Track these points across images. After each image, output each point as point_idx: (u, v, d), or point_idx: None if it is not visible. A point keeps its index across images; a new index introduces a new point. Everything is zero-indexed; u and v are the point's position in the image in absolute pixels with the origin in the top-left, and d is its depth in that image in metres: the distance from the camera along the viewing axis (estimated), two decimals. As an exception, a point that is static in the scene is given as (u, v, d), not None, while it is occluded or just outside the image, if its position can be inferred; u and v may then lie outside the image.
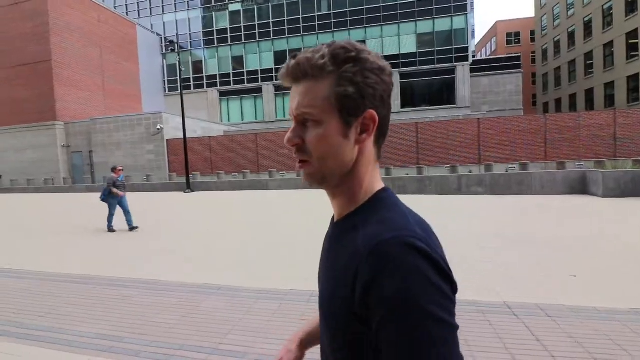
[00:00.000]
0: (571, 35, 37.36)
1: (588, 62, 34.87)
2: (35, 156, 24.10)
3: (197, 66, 34.00)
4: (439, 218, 7.94)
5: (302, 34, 31.15)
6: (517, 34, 53.20)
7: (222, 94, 33.35)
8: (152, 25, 34.24)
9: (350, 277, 0.52)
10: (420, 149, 18.40)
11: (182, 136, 22.76)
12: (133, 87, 30.28)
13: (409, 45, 29.23)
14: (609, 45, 31.93)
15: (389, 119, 0.60)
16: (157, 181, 19.67)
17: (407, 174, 14.90)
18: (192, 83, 34.03)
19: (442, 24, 28.57)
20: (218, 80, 33.16)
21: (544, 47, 43.46)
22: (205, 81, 33.56)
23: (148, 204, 12.99)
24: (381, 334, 0.48)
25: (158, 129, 21.09)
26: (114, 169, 7.87)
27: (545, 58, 43.18)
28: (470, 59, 28.58)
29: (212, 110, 33.15)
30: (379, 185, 0.62)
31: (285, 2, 31.37)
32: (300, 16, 31.04)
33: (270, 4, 31.70)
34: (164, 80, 34.69)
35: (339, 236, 0.60)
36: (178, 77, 33.08)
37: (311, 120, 0.56)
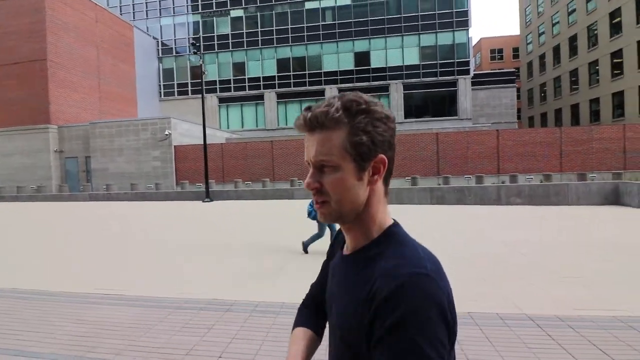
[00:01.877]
0: (556, 53, 39.47)
1: (573, 78, 36.88)
2: (24, 161, 22.24)
3: (195, 71, 32.99)
4: (528, 230, 7.81)
5: (306, 42, 31.03)
6: (501, 51, 55.71)
7: (222, 100, 32.46)
8: (147, 28, 33.03)
9: (367, 297, 0.58)
10: (440, 159, 18.51)
11: (190, 142, 21.84)
12: (129, 91, 28.88)
13: (412, 57, 29.77)
14: (594, 63, 33.91)
15: (394, 159, 0.66)
16: (165, 189, 18.58)
17: (439, 184, 14.86)
18: (189, 88, 32.95)
19: (445, 37, 29.37)
20: (218, 86, 32.29)
21: (528, 64, 45.66)
22: (203, 87, 32.49)
23: (190, 215, 12.14)
24: (374, 354, 0.56)
25: (166, 135, 20.06)
26: None
27: (530, 74, 45.34)
28: (472, 72, 29.46)
29: (211, 117, 32.13)
30: (390, 220, 0.67)
31: (289, 10, 31.22)
32: (305, 25, 30.96)
33: (273, 12, 31.44)
34: (160, 85, 33.37)
35: (356, 268, 0.65)
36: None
37: (329, 165, 0.62)
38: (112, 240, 7.68)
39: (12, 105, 22.36)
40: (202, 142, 22.83)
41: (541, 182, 14.59)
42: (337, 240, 0.81)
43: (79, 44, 24.02)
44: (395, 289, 0.55)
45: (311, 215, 5.69)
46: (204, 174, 16.02)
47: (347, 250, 0.71)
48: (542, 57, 42.26)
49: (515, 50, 53.71)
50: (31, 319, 3.55)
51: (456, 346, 2.83)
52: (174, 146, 20.45)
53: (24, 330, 3.26)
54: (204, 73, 16.31)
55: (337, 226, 3.91)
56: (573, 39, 36.05)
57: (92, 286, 4.58)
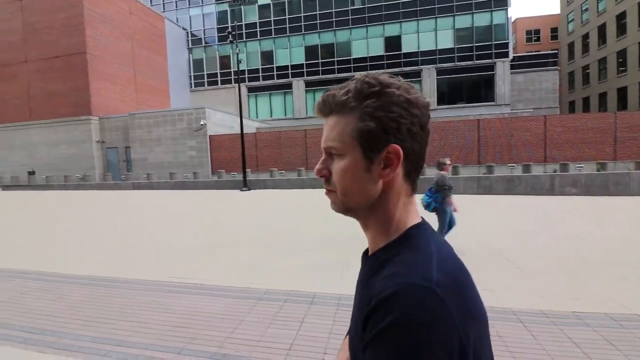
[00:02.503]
0: (602, 33, 36.65)
1: (620, 60, 34.20)
2: (69, 151, 23.25)
3: (224, 61, 33.16)
4: (599, 223, 7.25)
5: (334, 28, 30.35)
6: (537, 32, 52.43)
7: (251, 89, 32.53)
8: (177, 19, 33.35)
9: (364, 320, 0.52)
10: (481, 147, 17.71)
11: (224, 132, 22.04)
12: (162, 82, 29.44)
13: (446, 40, 28.50)
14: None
15: (422, 153, 0.58)
16: (202, 178, 18.90)
17: (484, 173, 14.20)
18: (219, 79, 33.18)
19: (482, 18, 27.85)
20: (246, 75, 32.33)
21: (569, 45, 42.74)
22: (232, 76, 32.72)
23: (234, 205, 12.25)
24: None
25: (202, 125, 20.30)
26: (442, 165, 5.26)
27: (571, 56, 42.48)
28: (511, 55, 27.87)
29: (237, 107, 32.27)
30: (413, 220, 0.59)
31: (317, -4, 30.55)
32: (333, 10, 30.23)
33: (301, -2, 30.87)
34: (190, 76, 33.81)
35: (368, 274, 0.59)
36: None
37: (336, 153, 0.58)
38: (175, 227, 7.79)
39: (54, 97, 23.29)
40: (236, 132, 23.02)
41: (598, 170, 13.63)
42: None
43: (115, 36, 24.57)
44: (384, 299, 0.47)
45: (429, 207, 5.04)
46: (242, 163, 16.09)
47: (370, 250, 0.63)
48: (585, 37, 39.42)
49: (554, 30, 50.44)
50: (118, 307, 3.55)
51: (576, 348, 2.57)
52: (209, 136, 20.68)
53: (116, 319, 3.26)
54: (240, 61, 16.17)
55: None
56: (621, 17, 33.31)
57: (166, 274, 4.59)
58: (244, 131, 24.97)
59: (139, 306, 3.56)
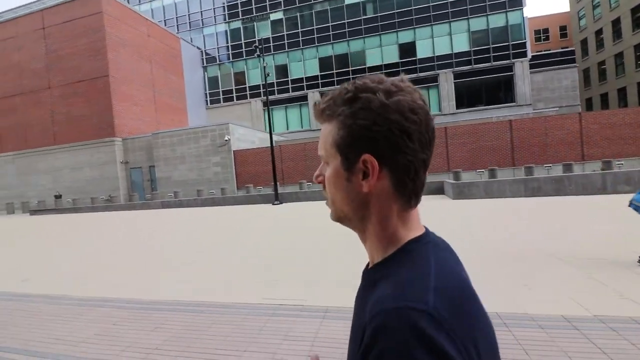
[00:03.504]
0: (616, 28, 36.20)
1: (638, 53, 33.62)
2: (93, 174, 23.37)
3: (239, 77, 33.44)
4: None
5: (347, 38, 30.47)
6: (546, 30, 52.15)
7: (266, 103, 32.61)
8: (191, 39, 33.90)
9: (358, 342, 0.49)
10: (515, 148, 17.24)
11: (246, 147, 21.94)
12: (180, 101, 29.73)
13: (462, 44, 28.34)
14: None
15: (413, 164, 0.52)
16: (230, 194, 18.70)
17: (530, 175, 13.70)
18: (234, 95, 33.43)
19: (497, 19, 27.69)
20: (261, 90, 32.50)
21: (582, 41, 42.29)
22: (248, 92, 32.94)
23: (278, 218, 11.95)
24: None
25: (226, 140, 20.23)
26: None
27: (585, 52, 41.99)
28: (529, 55, 27.55)
29: (257, 121, 32.44)
30: (414, 233, 0.56)
31: (329, 8, 30.81)
32: (345, 21, 30.42)
33: (313, 11, 31.16)
34: (205, 93, 34.14)
35: (365, 289, 0.57)
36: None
37: (324, 161, 0.58)
38: (239, 247, 7.48)
39: (77, 121, 23.57)
40: (257, 146, 22.95)
41: (617, 167, 13.04)
42: None
43: (135, 58, 24.95)
44: (376, 327, 0.44)
45: None
46: (273, 176, 15.86)
47: (370, 263, 0.60)
48: (598, 32, 39.00)
49: (563, 28, 50.13)
50: (234, 335, 3.20)
51: None
52: (233, 151, 20.58)
53: (239, 351, 2.90)
54: (268, 75, 16.12)
55: None
56: (636, 10, 32.88)
57: (260, 296, 4.24)
58: (264, 145, 24.93)
59: (262, 332, 3.22)
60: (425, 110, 0.52)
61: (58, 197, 21.96)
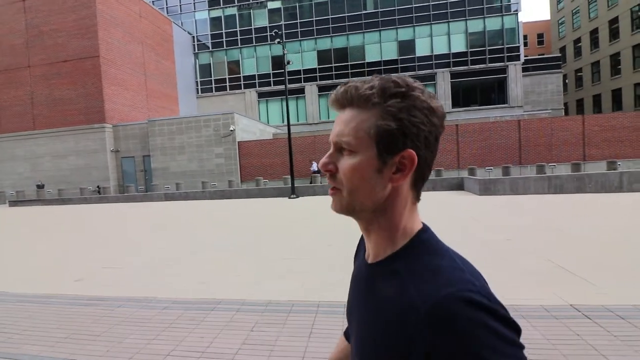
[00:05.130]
0: (594, 37, 38.41)
1: (614, 63, 35.87)
2: (78, 162, 21.60)
3: (233, 66, 32.21)
4: None
5: (347, 32, 30.17)
6: (525, 37, 54.57)
7: (261, 95, 31.71)
8: (182, 23, 32.17)
9: (403, 337, 0.49)
10: (522, 147, 17.79)
11: (249, 138, 21.15)
12: (171, 88, 28.18)
13: (459, 44, 28.90)
14: (638, 46, 32.91)
15: (431, 163, 0.57)
16: (236, 187, 17.93)
17: (548, 172, 14.14)
18: (227, 84, 32.17)
19: (493, 23, 28.47)
20: (257, 80, 31.51)
21: (561, 49, 44.59)
22: (242, 82, 31.82)
23: (310, 213, 11.47)
24: None
25: (231, 130, 19.36)
26: None
27: (563, 60, 44.32)
28: (522, 58, 28.59)
29: (251, 112, 31.42)
30: (419, 225, 0.58)
31: (329, 0, 30.31)
32: (346, 14, 30.08)
33: (312, 2, 30.54)
34: (196, 82, 32.60)
35: (378, 281, 0.57)
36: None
37: (347, 149, 0.55)
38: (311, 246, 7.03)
39: (62, 105, 21.67)
40: (258, 138, 22.20)
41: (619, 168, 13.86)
42: (362, 243, 0.68)
43: (126, 39, 23.27)
44: (445, 316, 0.45)
45: None
46: (290, 169, 15.32)
47: (368, 257, 0.61)
48: (577, 41, 41.27)
49: (540, 36, 52.58)
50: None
51: None
52: (238, 142, 19.75)
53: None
54: (289, 62, 15.51)
55: None
56: (614, 22, 35.06)
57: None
58: (265, 137, 24.19)
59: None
60: (445, 120, 0.56)
61: (40, 187, 20.11)
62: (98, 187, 20.73)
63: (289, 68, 29.81)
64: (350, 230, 6.79)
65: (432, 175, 16.76)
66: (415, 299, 0.48)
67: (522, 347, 0.46)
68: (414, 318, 0.47)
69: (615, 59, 35.68)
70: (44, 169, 22.01)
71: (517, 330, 0.47)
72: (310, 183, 17.24)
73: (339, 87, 0.57)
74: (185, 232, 8.61)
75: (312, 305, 3.61)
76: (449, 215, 8.95)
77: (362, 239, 0.69)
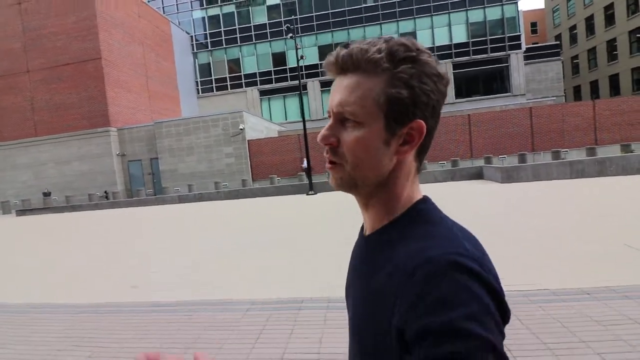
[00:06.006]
0: (589, 24, 38.63)
1: (610, 49, 36.11)
2: (83, 168, 21.15)
3: (233, 65, 31.81)
4: None
5: (348, 26, 29.95)
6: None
7: (263, 92, 31.38)
8: (179, 22, 31.63)
9: (389, 299, 0.46)
10: (535, 134, 17.82)
11: (257, 136, 20.90)
12: (172, 88, 27.75)
13: (460, 35, 28.86)
14: (634, 31, 33.14)
15: (433, 133, 0.53)
16: (249, 185, 17.70)
17: (567, 159, 14.17)
18: (228, 83, 31.77)
19: (493, 12, 28.46)
20: (258, 78, 31.17)
21: (556, 37, 44.81)
22: (243, 80, 31.45)
23: (334, 209, 11.33)
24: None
25: (241, 129, 19.09)
26: None
27: (559, 47, 44.55)
28: (524, 47, 28.65)
29: (253, 111, 31.05)
30: (419, 195, 0.55)
31: (328, -6, 30.04)
32: (346, 9, 29.84)
33: (311, -3, 30.23)
34: (196, 82, 32.14)
35: (373, 252, 0.54)
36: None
37: (352, 120, 0.50)
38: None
39: (64, 109, 21.17)
40: (265, 136, 21.93)
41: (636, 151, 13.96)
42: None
43: (126, 41, 22.80)
44: (429, 274, 0.43)
45: None
46: (307, 165, 15.15)
47: (366, 230, 0.58)
48: (572, 28, 41.51)
49: (533, 25, 52.84)
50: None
51: None
52: (248, 140, 19.49)
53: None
54: (302, 58, 15.28)
55: None
56: (609, 8, 35.29)
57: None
58: (271, 135, 23.94)
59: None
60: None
61: (47, 194, 19.66)
62: (105, 192, 20.34)
63: (301, 63, 29.59)
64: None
65: (449, 166, 16.74)
66: (403, 261, 0.46)
67: (502, 332, 0.43)
68: (399, 278, 0.45)
69: (611, 45, 35.92)
70: (48, 175, 21.52)
71: (505, 312, 0.45)
72: (329, 178, 17.05)
73: (338, 48, 0.51)
74: (220, 232, 8.41)
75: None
76: (491, 205, 8.88)
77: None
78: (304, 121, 15.71)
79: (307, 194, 15.00)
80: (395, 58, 0.48)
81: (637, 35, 32.89)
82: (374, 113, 0.49)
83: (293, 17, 30.29)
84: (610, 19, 35.40)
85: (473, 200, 9.74)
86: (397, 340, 0.45)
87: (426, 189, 12.15)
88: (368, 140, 0.49)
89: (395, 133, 0.50)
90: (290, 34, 14.95)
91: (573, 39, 41.62)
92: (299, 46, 15.84)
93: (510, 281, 3.52)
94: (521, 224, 6.22)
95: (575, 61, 42.14)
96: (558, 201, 8.28)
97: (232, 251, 6.21)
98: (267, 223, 8.95)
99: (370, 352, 0.50)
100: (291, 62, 30.82)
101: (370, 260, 0.54)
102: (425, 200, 0.54)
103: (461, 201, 9.66)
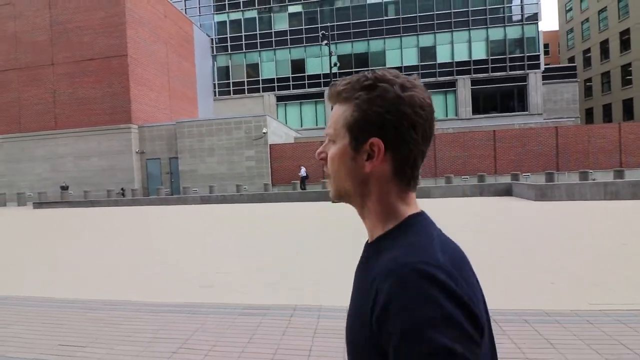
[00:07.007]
0: (604, 48, 39.00)
1: (625, 74, 36.38)
2: (102, 164, 21.02)
3: (251, 69, 31.97)
4: None
5: (368, 37, 30.19)
6: (531, 48, 55.20)
7: (280, 98, 31.47)
8: (200, 25, 31.90)
9: (369, 304, 0.51)
10: (560, 154, 17.78)
11: (278, 141, 20.84)
12: (191, 89, 27.81)
13: (480, 51, 29.09)
14: (650, 58, 33.41)
15: (413, 154, 0.57)
16: (274, 190, 17.54)
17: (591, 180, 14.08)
18: (246, 87, 31.88)
19: (514, 31, 28.75)
20: (276, 84, 31.29)
21: (569, 59, 45.22)
22: (261, 85, 31.56)
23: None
24: None
25: (264, 133, 19.03)
26: None
27: (576, 69, 44.88)
28: (542, 67, 28.86)
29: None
30: (412, 210, 0.60)
31: (350, 6, 30.36)
32: (367, 20, 30.13)
33: (334, 7, 30.55)
34: (214, 84, 32.25)
35: (366, 262, 0.60)
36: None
37: (330, 139, 0.61)
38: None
39: (86, 104, 21.15)
40: (286, 141, 21.85)
41: None
42: None
43: (152, 39, 22.92)
44: (395, 282, 0.47)
45: None
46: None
47: (369, 239, 0.64)
48: (586, 51, 41.92)
49: (546, 46, 53.37)
50: None
51: None
52: (270, 145, 19.41)
53: None
54: (336, 65, 15.30)
55: None
56: (625, 33, 35.66)
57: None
58: (287, 141, 23.89)
59: None
60: (432, 109, 0.57)
61: (65, 188, 19.48)
62: (122, 189, 20.17)
63: (317, 71, 29.78)
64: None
65: (475, 180, 16.64)
66: (382, 267, 0.51)
67: (473, 338, 0.45)
68: (377, 285, 0.50)
69: (626, 70, 36.19)
70: (66, 169, 21.37)
71: (474, 319, 0.46)
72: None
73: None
74: (260, 233, 8.23)
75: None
76: (536, 224, 8.73)
77: None
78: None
79: (333, 202, 14.83)
80: (355, 88, 0.56)
81: (652, 61, 33.17)
82: (342, 133, 0.58)
83: (323, 24, 30.58)
84: (625, 44, 35.73)
85: (530, 219, 9.58)
86: (375, 345, 0.49)
87: (456, 203, 11.87)
88: (338, 155, 0.58)
89: (359, 149, 0.57)
90: (326, 41, 14.96)
91: (587, 62, 41.95)
92: (332, 53, 15.85)
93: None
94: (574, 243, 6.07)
95: (588, 84, 42.39)
96: (620, 221, 8.15)
97: (289, 254, 6.04)
98: (305, 228, 8.78)
99: (358, 357, 0.54)
100: (310, 70, 31.01)
101: (364, 269, 0.59)
102: (419, 214, 0.58)
103: (521, 218, 9.51)
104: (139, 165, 21.13)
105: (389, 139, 0.55)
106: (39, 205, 17.88)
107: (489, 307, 0.55)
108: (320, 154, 0.62)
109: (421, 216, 0.58)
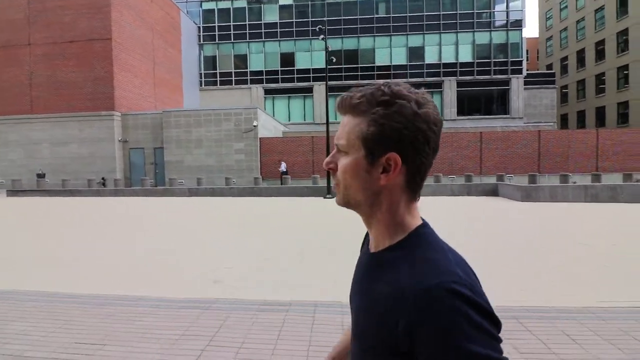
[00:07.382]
0: (580, 57, 40.73)
1: (599, 82, 38.19)
2: (81, 151, 20.09)
3: (239, 61, 31.33)
4: None
5: (358, 35, 30.21)
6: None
7: (268, 91, 31.04)
8: (187, 12, 30.90)
9: (393, 319, 0.54)
10: (541, 156, 18.49)
11: (270, 135, 20.60)
12: (176, 78, 26.97)
13: (466, 54, 29.72)
14: (622, 68, 35.23)
15: (424, 166, 0.61)
16: (257, 184, 17.34)
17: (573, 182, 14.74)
18: (233, 78, 31.23)
19: (499, 36, 29.53)
20: (264, 77, 30.83)
21: (547, 67, 46.98)
22: (249, 77, 31.01)
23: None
24: None
25: (254, 126, 18.74)
26: None
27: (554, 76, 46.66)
28: (524, 72, 29.83)
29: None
30: (417, 221, 0.63)
31: (342, 2, 30.23)
32: (358, 17, 30.11)
33: (325, 2, 30.33)
34: (200, 74, 31.40)
35: (378, 269, 0.62)
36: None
37: (342, 150, 0.62)
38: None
39: (65, 88, 20.11)
40: (275, 135, 21.63)
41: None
42: (368, 235, 0.75)
43: (138, 23, 22.01)
44: (429, 302, 0.51)
45: None
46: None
47: (371, 247, 0.67)
48: (563, 59, 43.66)
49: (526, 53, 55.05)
50: None
51: None
52: (260, 138, 19.15)
53: None
54: (332, 60, 15.20)
55: None
56: (600, 44, 37.39)
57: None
58: (276, 135, 23.67)
59: None
60: (442, 124, 0.61)
61: (41, 176, 18.50)
62: (103, 178, 19.39)
63: (307, 66, 29.50)
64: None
65: (462, 180, 17.07)
66: (405, 287, 0.53)
67: (499, 340, 0.51)
68: (402, 304, 0.52)
69: (600, 79, 37.98)
70: (41, 156, 20.29)
71: (496, 324, 0.52)
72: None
73: (342, 94, 0.63)
74: (262, 229, 8.14)
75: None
76: (535, 225, 9.06)
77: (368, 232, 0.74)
78: (327, 122, 15.59)
79: (325, 197, 14.87)
80: (372, 102, 0.58)
81: (625, 72, 34.92)
82: (356, 145, 0.59)
83: (314, 18, 30.27)
84: (600, 54, 37.44)
85: (520, 219, 9.92)
86: (393, 352, 0.53)
87: (448, 201, 12.11)
88: (352, 167, 0.60)
89: (374, 163, 0.59)
90: (322, 36, 14.85)
91: (564, 69, 43.70)
92: (329, 47, 15.75)
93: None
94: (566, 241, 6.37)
95: (564, 90, 44.22)
96: (607, 223, 8.58)
97: (293, 252, 6.00)
98: (304, 224, 8.76)
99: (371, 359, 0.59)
100: (299, 64, 30.74)
101: (374, 278, 0.61)
102: (425, 226, 0.62)
103: (511, 220, 9.82)
104: (121, 154, 20.35)
105: (405, 153, 0.58)
106: (13, 193, 16.93)
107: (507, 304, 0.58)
108: (329, 164, 0.64)
109: (427, 228, 0.62)
